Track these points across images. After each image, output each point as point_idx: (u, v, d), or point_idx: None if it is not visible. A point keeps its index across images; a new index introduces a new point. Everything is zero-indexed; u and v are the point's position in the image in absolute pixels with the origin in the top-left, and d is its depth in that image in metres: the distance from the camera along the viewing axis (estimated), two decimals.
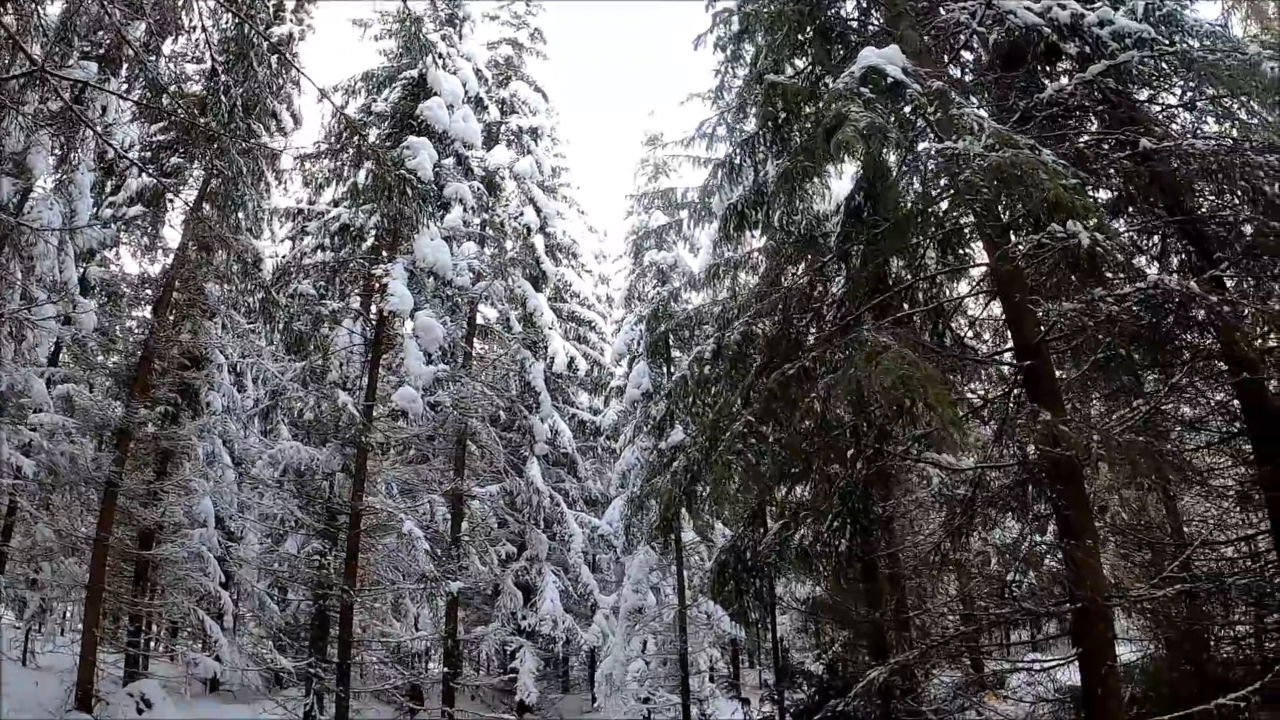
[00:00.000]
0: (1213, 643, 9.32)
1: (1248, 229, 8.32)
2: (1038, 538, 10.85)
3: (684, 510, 7.66)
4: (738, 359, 8.39)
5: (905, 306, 8.35)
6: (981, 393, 9.48)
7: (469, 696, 22.47)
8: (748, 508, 8.85)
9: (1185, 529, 11.00)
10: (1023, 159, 5.79)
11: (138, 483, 17.76)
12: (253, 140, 17.87)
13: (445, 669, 17.40)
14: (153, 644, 22.75)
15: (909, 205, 7.54)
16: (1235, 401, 9.34)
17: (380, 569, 15.00)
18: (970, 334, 10.94)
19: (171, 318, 18.05)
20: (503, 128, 23.03)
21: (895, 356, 5.65)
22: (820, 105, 6.86)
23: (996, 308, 11.43)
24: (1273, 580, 8.59)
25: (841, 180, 10.01)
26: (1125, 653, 9.61)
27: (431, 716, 18.49)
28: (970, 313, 11.02)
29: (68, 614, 23.75)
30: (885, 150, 7.31)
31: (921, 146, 8.06)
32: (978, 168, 5.93)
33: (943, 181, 8.53)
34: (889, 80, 7.21)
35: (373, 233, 15.11)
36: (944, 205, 8.86)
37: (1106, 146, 8.42)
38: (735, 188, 9.13)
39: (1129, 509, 11.44)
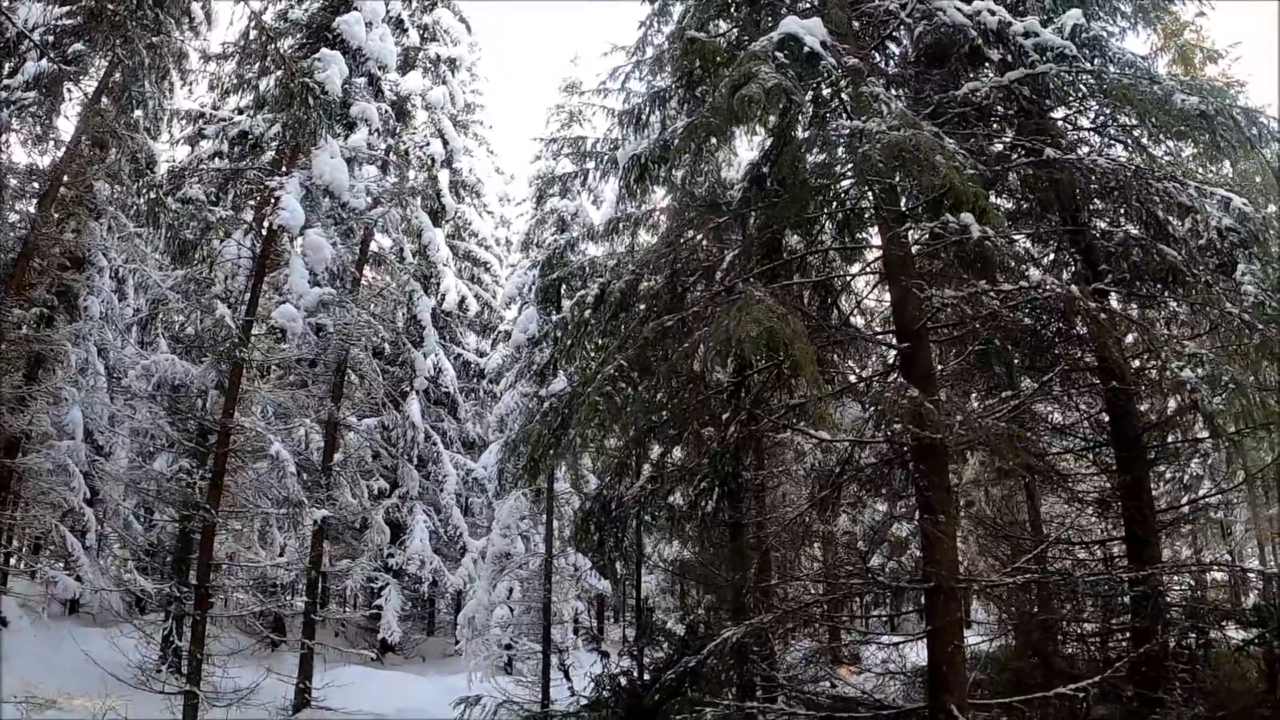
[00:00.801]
0: (1061, 639, 9.75)
1: (1137, 252, 8.61)
2: (903, 525, 11.21)
3: (552, 454, 7.62)
4: (620, 307, 8.34)
5: (796, 278, 8.42)
6: (861, 374, 9.68)
7: (332, 632, 22.29)
8: (617, 457, 8.87)
9: (1044, 529, 11.45)
10: (922, 139, 5.86)
11: (6, 387, 16.95)
12: (161, 35, 17.02)
13: (307, 599, 17.12)
14: (13, 560, 21.93)
15: (810, 176, 7.56)
16: (1104, 415, 9.75)
17: (248, 494, 14.64)
18: (858, 319, 11.15)
19: (56, 215, 17.20)
20: (420, 54, 22.37)
21: (766, 310, 5.68)
22: (733, 66, 6.81)
23: (886, 297, 11.70)
24: (1121, 585, 8.99)
25: (750, 151, 10.04)
26: (976, 640, 9.99)
27: (292, 648, 18.26)
28: (859, 298, 11.22)
29: None
30: (793, 117, 7.32)
31: (831, 125, 8.11)
32: (877, 143, 5.98)
33: (849, 165, 8.63)
34: (806, 50, 7.19)
35: (273, 144, 14.57)
36: (845, 184, 8.95)
37: (1013, 153, 8.61)
38: (641, 139, 9.04)
39: (993, 505, 11.87)
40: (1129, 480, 9.12)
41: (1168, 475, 12.49)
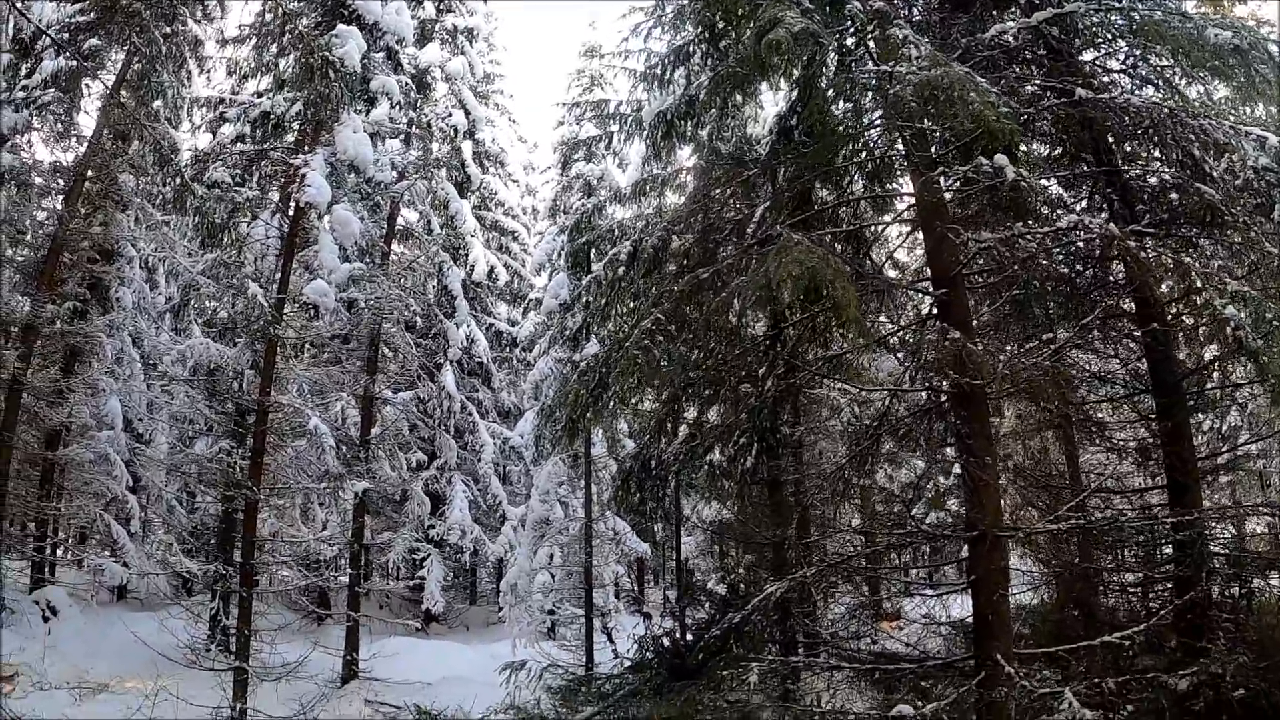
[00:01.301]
0: (1102, 590, 9.68)
1: (1174, 194, 8.43)
2: (941, 479, 11.14)
3: (591, 413, 7.60)
4: (654, 264, 8.29)
5: (828, 229, 8.33)
6: (896, 325, 9.58)
7: (377, 605, 22.59)
8: (655, 416, 8.85)
9: (1083, 479, 11.34)
10: (954, 77, 5.74)
11: (44, 381, 17.21)
12: (176, 23, 17.07)
13: (351, 572, 17.33)
14: (60, 550, 22.36)
15: (838, 125, 7.45)
16: (1142, 362, 9.62)
17: (288, 472, 14.80)
18: (891, 271, 11.03)
19: (83, 209, 17.40)
20: (438, 25, 22.30)
21: (806, 251, 5.61)
22: (758, 13, 6.70)
23: (919, 250, 11.56)
24: (1162, 532, 8.90)
25: (775, 106, 9.91)
26: (1016, 592, 9.94)
27: (338, 622, 18.51)
28: (891, 250, 11.10)
29: None
30: (818, 66, 7.19)
31: (857, 71, 7.99)
32: (908, 84, 5.87)
33: (877, 114, 8.50)
34: None
35: (295, 124, 14.60)
36: (874, 133, 8.83)
37: (1044, 94, 8.44)
38: (666, 96, 8.93)
39: (1031, 456, 11.77)
40: (1169, 427, 8.98)
41: (1205, 425, 12.33)
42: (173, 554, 16.42)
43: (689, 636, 11.43)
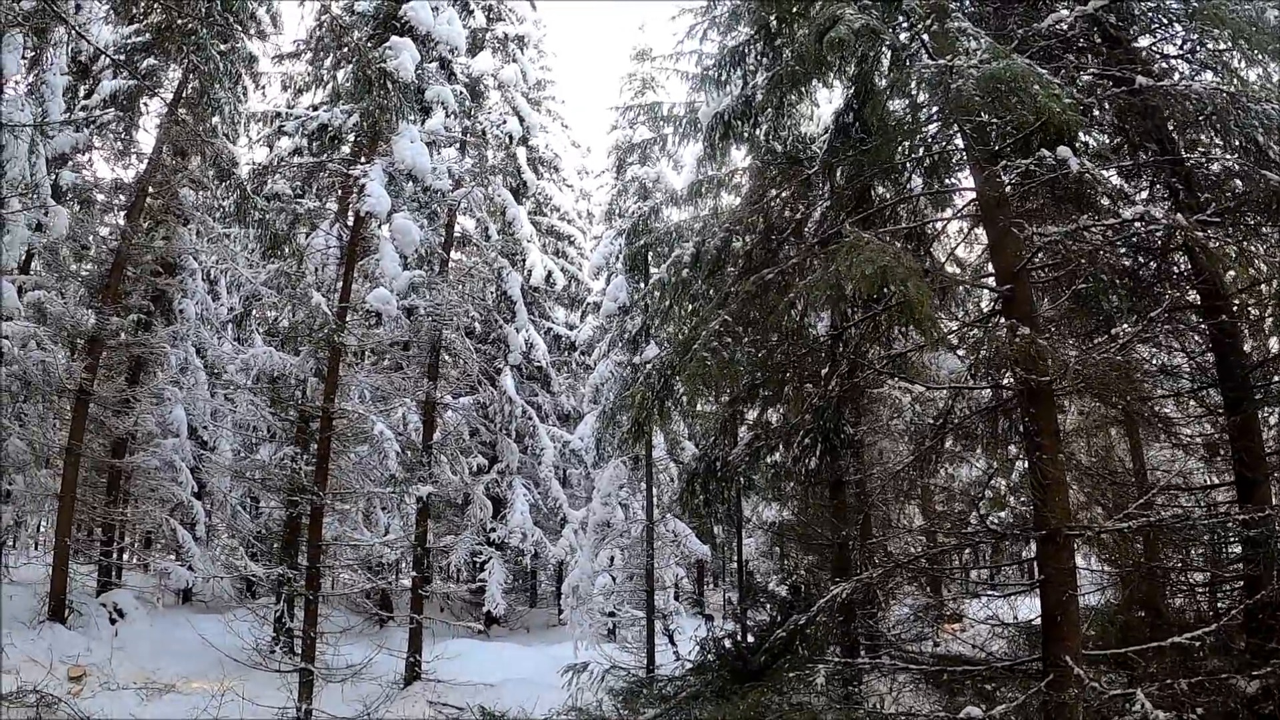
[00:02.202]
0: (1168, 590, 9.47)
1: (1238, 181, 8.24)
2: (1003, 480, 10.97)
3: (656, 415, 7.60)
4: (716, 265, 8.27)
5: (887, 226, 8.26)
6: (959, 323, 9.46)
7: (438, 607, 22.79)
8: (719, 417, 8.83)
9: (1148, 477, 11.09)
10: (1017, 68, 5.66)
11: (110, 391, 17.68)
12: (230, 41, 17.44)
13: (415, 574, 17.53)
14: (126, 555, 22.91)
15: (896, 121, 7.39)
16: (1208, 356, 9.40)
17: (351, 477, 15.02)
18: (951, 267, 10.88)
19: (145, 224, 17.83)
20: (488, 34, 22.52)
21: (878, 250, 5.56)
22: (815, 10, 6.67)
23: (978, 247, 11.41)
24: (1232, 530, 8.68)
25: (830, 104, 9.86)
26: (1081, 593, 9.75)
27: (400, 624, 18.73)
28: (951, 247, 10.97)
29: (41, 526, 23.79)
30: (873, 63, 7.14)
31: (914, 67, 7.92)
32: (970, 77, 5.80)
33: (934, 109, 8.42)
34: None
35: (351, 136, 14.83)
36: (932, 128, 8.74)
37: (1102, 83, 8.30)
38: (722, 97, 8.92)
39: (1095, 454, 11.55)
40: (1237, 421, 8.75)
41: (1274, 420, 11.99)
42: (238, 558, 16.73)
43: (750, 638, 11.39)
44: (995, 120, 7.25)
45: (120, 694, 12.89)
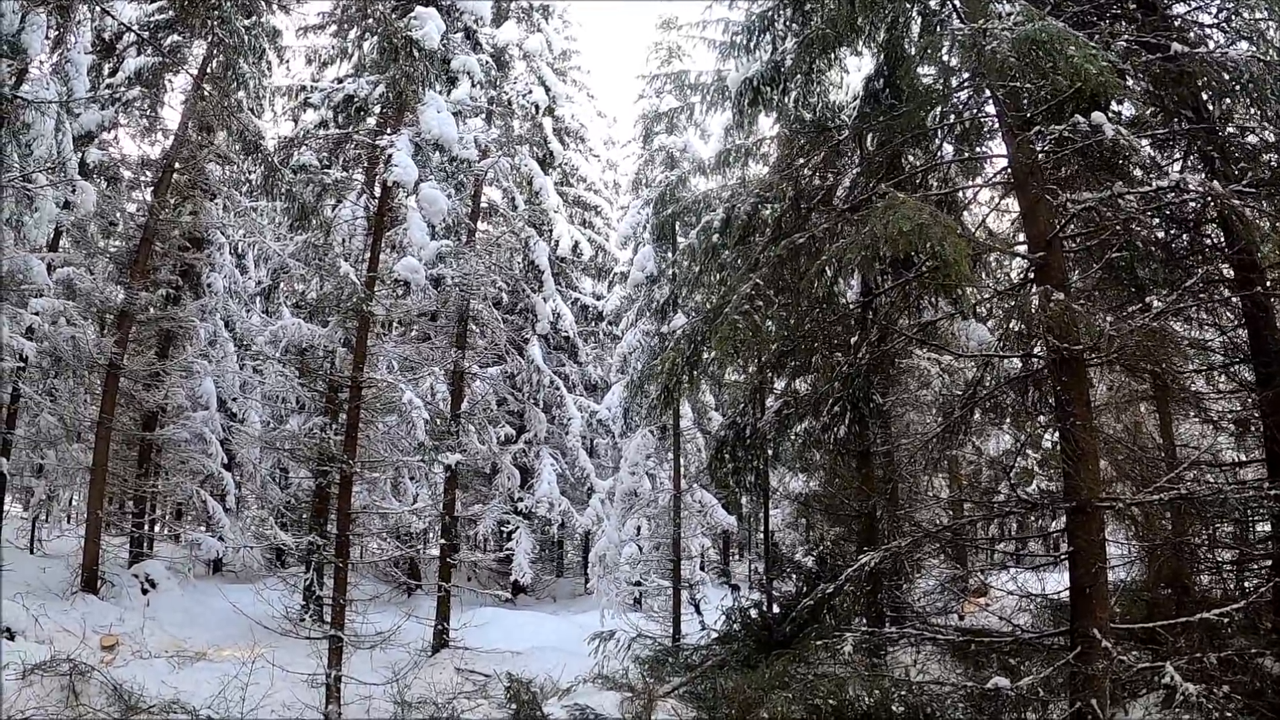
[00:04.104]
0: (1195, 567, 9.40)
1: (1273, 156, 8.08)
2: (1031, 452, 10.90)
3: (686, 381, 7.59)
4: (747, 231, 8.23)
5: (918, 194, 8.16)
6: (989, 291, 9.37)
7: (465, 576, 22.98)
8: (749, 385, 8.82)
9: (1178, 453, 10.99)
10: (1053, 29, 5.57)
11: (140, 365, 17.89)
12: (254, 15, 17.45)
13: (443, 542, 17.67)
14: (157, 526, 23.22)
15: (926, 87, 7.29)
16: (1241, 331, 9.26)
17: (380, 447, 15.13)
18: (982, 234, 10.76)
19: (172, 200, 17.97)
20: (512, 4, 22.38)
21: (914, 208, 5.49)
22: None
23: (1008, 217, 11.28)
24: (1263, 506, 8.58)
25: (860, 72, 9.76)
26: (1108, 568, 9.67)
27: (428, 592, 18.90)
28: (983, 216, 10.85)
29: (73, 500, 24.16)
30: (904, 25, 7.04)
31: (945, 31, 7.81)
32: (1004, 40, 5.70)
33: (965, 75, 8.30)
34: None
35: (377, 107, 14.80)
36: (963, 95, 8.62)
37: (1137, 50, 8.15)
38: (751, 63, 8.83)
39: (1124, 429, 11.45)
40: (1270, 397, 8.64)
41: None
42: (267, 528, 16.91)
43: (776, 609, 11.41)
44: (1028, 85, 7.13)
45: (152, 662, 13.08)
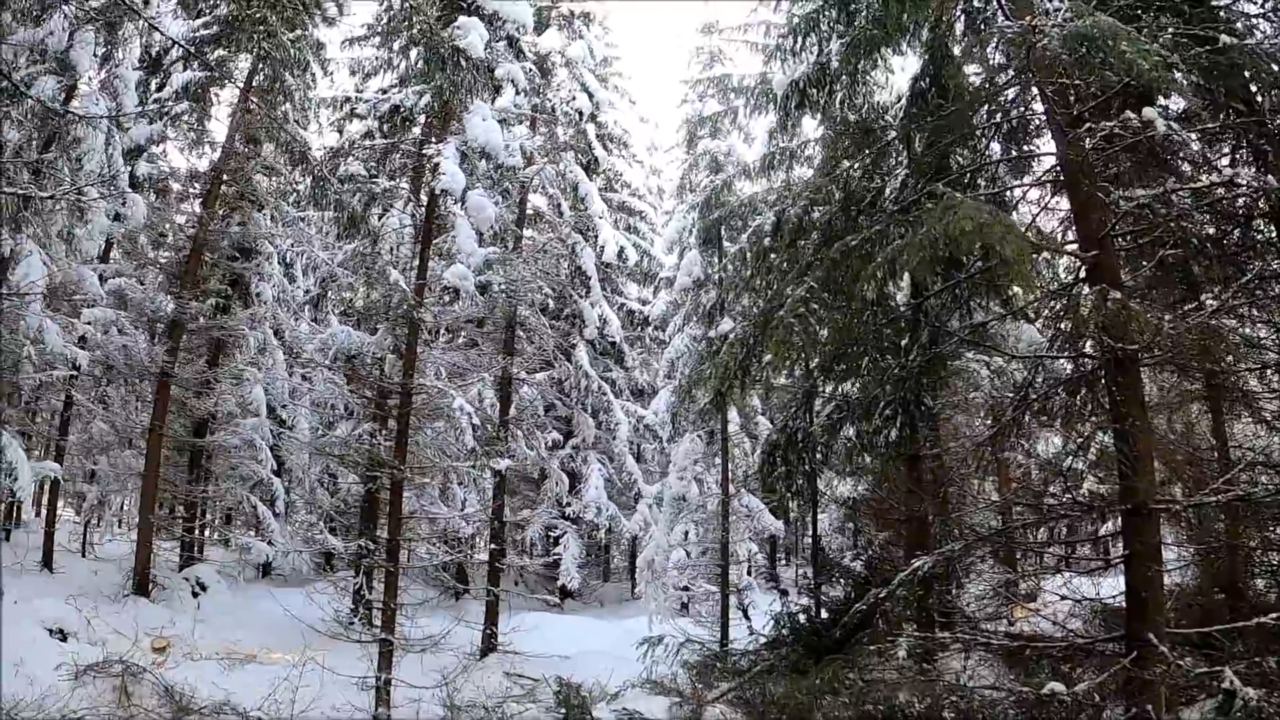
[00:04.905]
0: (1249, 571, 9.23)
1: None
2: (1082, 455, 10.74)
3: (738, 384, 7.59)
4: (797, 234, 8.21)
5: (966, 194, 8.10)
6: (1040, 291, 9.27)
7: (512, 580, 23.08)
8: (800, 388, 8.80)
9: (1233, 454, 10.79)
10: (1105, 25, 5.50)
11: (191, 373, 18.20)
12: (299, 29, 17.71)
13: (491, 547, 17.76)
14: (207, 531, 23.59)
15: (973, 86, 7.23)
16: None
17: (428, 453, 15.24)
18: (1032, 234, 10.63)
19: (220, 211, 18.24)
20: (554, 11, 22.49)
21: (974, 208, 5.45)
22: None
23: (1056, 216, 11.14)
24: None
25: (904, 72, 9.70)
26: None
27: (476, 597, 19.00)
28: (1033, 215, 10.75)
29: (125, 505, 24.56)
30: (948, 24, 6.99)
31: (993, 28, 7.75)
32: (1054, 37, 5.64)
33: (1010, 73, 8.23)
34: None
35: (422, 117, 14.95)
36: (1010, 94, 8.54)
37: (1185, 42, 8.03)
38: (797, 65, 8.82)
39: (1175, 431, 11.26)
40: None
41: None
42: (317, 532, 17.10)
43: (824, 614, 11.35)
44: (1077, 82, 7.06)
45: (203, 664, 13.24)
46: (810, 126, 14.86)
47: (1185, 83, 8.62)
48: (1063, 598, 9.72)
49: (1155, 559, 7.23)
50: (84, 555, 19.53)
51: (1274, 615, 7.14)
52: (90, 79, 14.97)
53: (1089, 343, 7.28)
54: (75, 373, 16.05)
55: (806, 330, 6.58)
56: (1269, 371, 10.17)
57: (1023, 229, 9.77)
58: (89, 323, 16.12)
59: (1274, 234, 8.62)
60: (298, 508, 22.35)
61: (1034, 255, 7.49)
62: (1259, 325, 9.94)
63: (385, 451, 13.29)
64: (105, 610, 14.25)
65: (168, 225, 18.83)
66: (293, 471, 22.87)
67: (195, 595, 17.38)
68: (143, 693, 11.16)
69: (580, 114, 21.33)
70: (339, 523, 18.28)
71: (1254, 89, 8.06)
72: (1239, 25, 8.20)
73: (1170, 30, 8.25)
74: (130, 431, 18.47)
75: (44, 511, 19.05)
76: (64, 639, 12.58)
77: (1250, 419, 10.52)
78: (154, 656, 13.06)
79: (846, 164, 9.01)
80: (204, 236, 17.65)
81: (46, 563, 16.90)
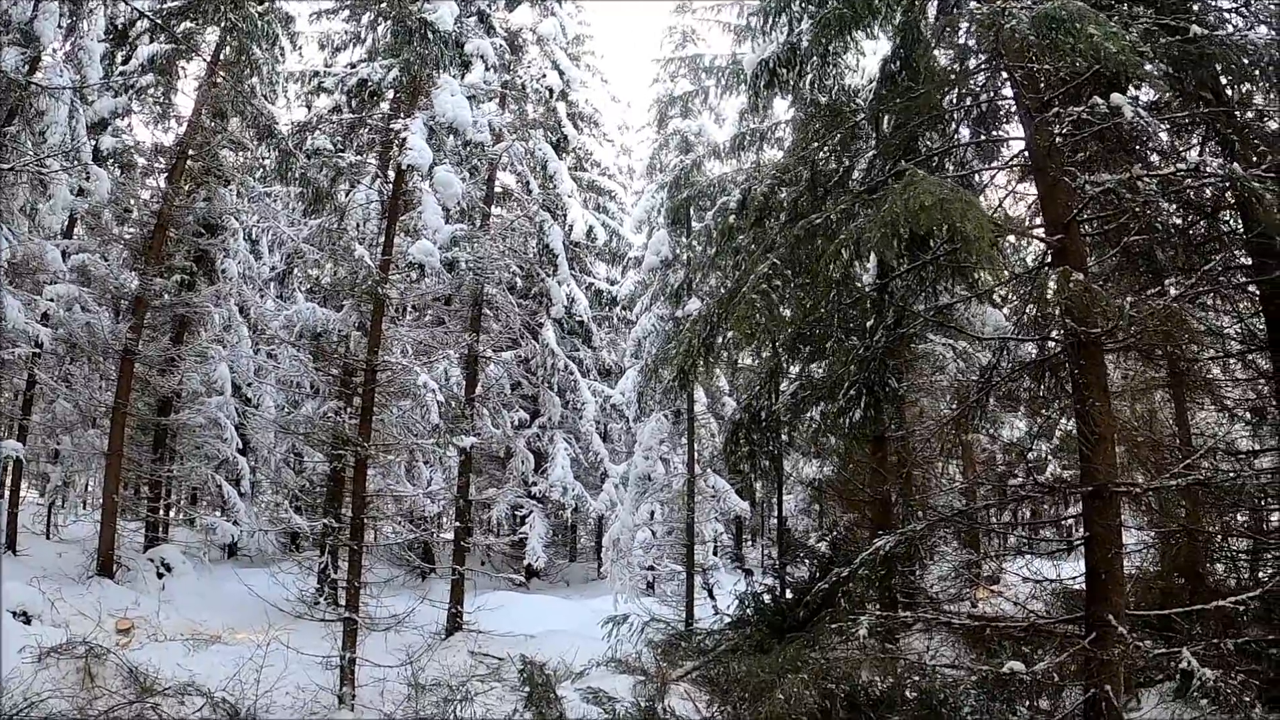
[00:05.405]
0: (1208, 557, 9.37)
1: None
2: (1044, 440, 10.86)
3: (701, 363, 7.57)
4: (762, 213, 8.19)
5: (934, 177, 8.13)
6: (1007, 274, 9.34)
7: (479, 560, 23.08)
8: (765, 367, 8.81)
9: (1194, 441, 10.95)
10: (1072, 8, 5.51)
11: (155, 351, 17.97)
12: (267, 1, 17.43)
13: (457, 526, 17.72)
14: (172, 511, 23.37)
15: (943, 68, 7.23)
16: (1258, 319, 9.20)
17: (394, 430, 15.15)
18: (999, 218, 10.69)
19: (186, 186, 17.99)
20: None
21: (935, 183, 5.44)
22: None
23: (1024, 202, 11.21)
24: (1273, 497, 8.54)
25: (875, 55, 9.71)
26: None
27: (442, 576, 18.96)
28: (999, 199, 10.81)
29: (89, 486, 24.26)
30: (919, 9, 6.97)
31: (963, 10, 7.77)
32: (1022, 19, 5.65)
33: (982, 57, 8.24)
34: None
35: (391, 92, 14.78)
36: (980, 78, 8.56)
37: (1157, 33, 8.08)
38: (767, 44, 8.79)
39: (1138, 418, 11.41)
40: None
41: None
42: (282, 512, 16.99)
43: (789, 594, 11.41)
44: (1046, 67, 7.08)
45: (167, 645, 13.14)
46: (781, 108, 14.96)
47: (1155, 72, 8.70)
48: (1025, 579, 9.85)
49: (1115, 541, 7.30)
50: (48, 537, 19.31)
51: (1233, 599, 7.26)
52: (54, 51, 14.68)
53: (1054, 328, 7.33)
54: (38, 350, 15.81)
55: (769, 307, 6.57)
56: (1231, 361, 10.33)
57: (989, 211, 9.85)
58: (52, 299, 15.86)
59: (1240, 226, 8.71)
60: (263, 487, 22.20)
61: (998, 237, 7.54)
62: (1222, 315, 10.08)
63: (351, 430, 13.19)
64: (69, 592, 14.11)
65: (132, 200, 18.54)
66: (258, 451, 22.69)
67: (160, 576, 17.24)
68: (106, 674, 11.03)
69: (551, 91, 21.17)
70: (305, 502, 18.17)
71: (1224, 81, 8.13)
72: (1211, 18, 8.26)
73: (1143, 20, 8.30)
74: (94, 411, 18.23)
75: (7, 493, 18.82)
76: (28, 622, 12.43)
77: (1213, 407, 10.68)
78: (118, 638, 12.93)
79: (816, 145, 9.00)
80: (169, 212, 17.40)
81: (10, 545, 16.67)
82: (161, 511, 20.75)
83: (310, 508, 17.29)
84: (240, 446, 20.34)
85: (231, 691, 10.51)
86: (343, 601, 13.04)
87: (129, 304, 17.58)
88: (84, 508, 25.42)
